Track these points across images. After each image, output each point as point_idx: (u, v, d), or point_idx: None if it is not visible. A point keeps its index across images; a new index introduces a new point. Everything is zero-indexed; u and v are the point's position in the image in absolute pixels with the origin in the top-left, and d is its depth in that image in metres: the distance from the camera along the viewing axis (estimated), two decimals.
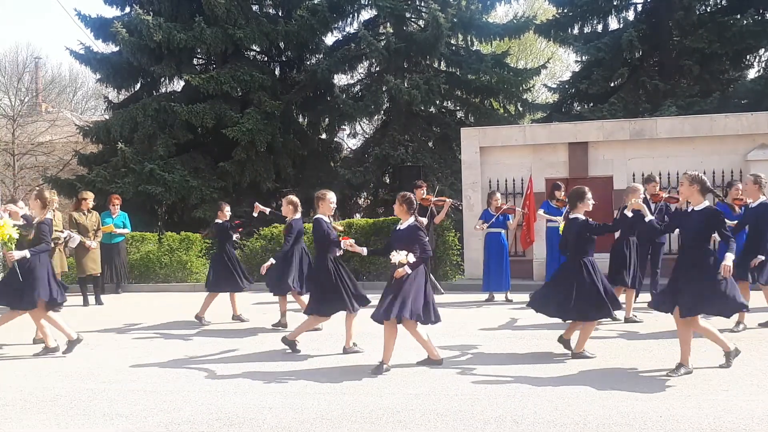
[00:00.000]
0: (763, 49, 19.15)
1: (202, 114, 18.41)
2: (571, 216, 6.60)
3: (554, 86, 22.01)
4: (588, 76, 19.34)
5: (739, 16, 17.97)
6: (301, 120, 21.64)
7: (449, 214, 11.29)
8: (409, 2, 20.23)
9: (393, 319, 6.01)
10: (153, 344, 7.80)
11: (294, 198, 8.52)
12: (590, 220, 6.55)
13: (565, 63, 32.75)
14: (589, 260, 6.44)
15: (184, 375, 6.22)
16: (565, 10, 20.24)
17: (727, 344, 5.91)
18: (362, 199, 22.24)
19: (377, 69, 20.72)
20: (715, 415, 4.66)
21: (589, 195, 6.61)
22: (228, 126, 18.34)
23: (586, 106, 19.80)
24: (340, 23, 21.13)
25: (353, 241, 6.74)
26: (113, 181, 17.85)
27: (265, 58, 21.61)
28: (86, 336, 7.56)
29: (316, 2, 19.54)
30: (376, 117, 22.37)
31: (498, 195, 10.71)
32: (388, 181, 20.56)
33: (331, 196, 7.00)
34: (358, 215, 20.74)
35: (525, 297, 8.07)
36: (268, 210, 9.04)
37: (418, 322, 6.09)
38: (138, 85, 21.09)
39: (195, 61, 20.49)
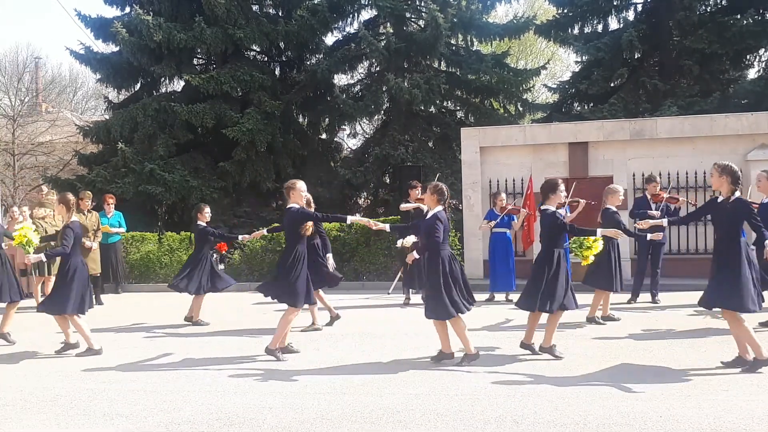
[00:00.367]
0: (763, 49, 19.13)
1: (202, 114, 18.40)
2: (542, 207, 6.57)
3: (554, 86, 21.98)
4: (588, 76, 19.34)
5: (739, 16, 17.96)
6: (301, 120, 21.62)
7: (449, 214, 11.29)
8: (409, 2, 20.21)
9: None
10: (153, 344, 7.79)
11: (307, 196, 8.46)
12: (558, 213, 6.52)
13: (565, 63, 32.78)
14: (561, 252, 6.46)
15: (184, 375, 6.22)
16: (565, 10, 20.22)
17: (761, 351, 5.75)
18: (362, 199, 22.24)
19: (377, 69, 20.71)
20: (715, 415, 4.65)
21: (562, 187, 6.57)
22: (228, 126, 18.33)
23: (586, 106, 19.80)
24: (340, 23, 21.10)
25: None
26: (113, 181, 17.84)
27: (265, 58, 21.59)
28: None
29: (316, 2, 19.52)
30: (376, 117, 22.35)
31: (503, 195, 10.72)
32: (388, 181, 20.56)
33: (301, 185, 6.84)
34: (358, 215, 20.74)
35: None
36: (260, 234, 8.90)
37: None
38: (138, 85, 21.09)
39: (195, 61, 20.47)
